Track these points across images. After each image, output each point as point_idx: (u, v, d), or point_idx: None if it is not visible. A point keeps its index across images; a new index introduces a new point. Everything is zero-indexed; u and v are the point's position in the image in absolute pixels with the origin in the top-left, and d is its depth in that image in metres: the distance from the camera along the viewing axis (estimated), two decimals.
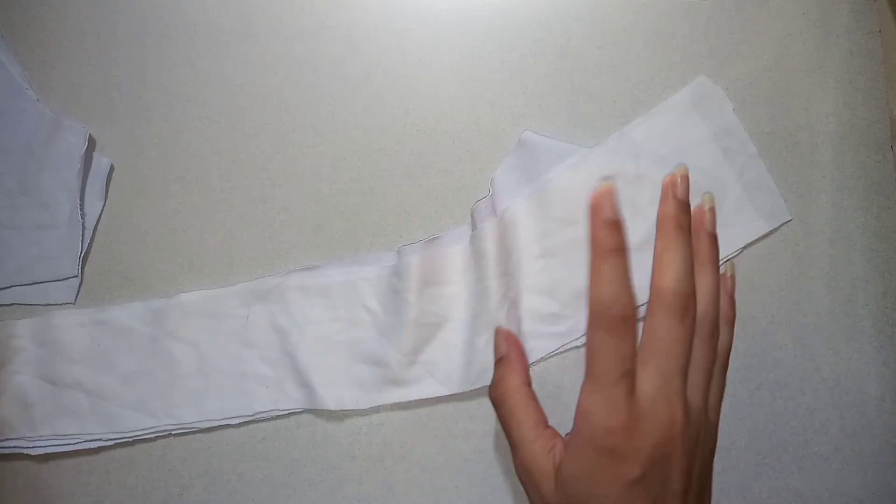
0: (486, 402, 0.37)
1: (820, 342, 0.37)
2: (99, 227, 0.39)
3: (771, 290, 0.37)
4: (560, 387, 0.37)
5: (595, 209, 0.27)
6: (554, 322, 0.37)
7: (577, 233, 0.37)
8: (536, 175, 0.37)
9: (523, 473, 0.29)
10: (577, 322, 0.37)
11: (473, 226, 0.38)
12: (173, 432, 0.37)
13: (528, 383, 0.31)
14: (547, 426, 0.29)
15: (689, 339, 0.28)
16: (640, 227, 0.37)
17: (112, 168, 0.39)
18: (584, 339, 0.37)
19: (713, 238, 0.31)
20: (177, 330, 0.37)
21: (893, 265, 0.38)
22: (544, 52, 0.39)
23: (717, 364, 0.30)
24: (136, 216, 0.39)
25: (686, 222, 0.29)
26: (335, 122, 0.39)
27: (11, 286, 0.38)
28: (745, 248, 0.37)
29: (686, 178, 0.29)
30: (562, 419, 0.37)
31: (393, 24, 0.40)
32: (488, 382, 0.35)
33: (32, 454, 0.36)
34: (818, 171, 0.38)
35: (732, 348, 0.37)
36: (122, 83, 0.40)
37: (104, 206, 0.39)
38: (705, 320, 0.29)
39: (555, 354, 0.37)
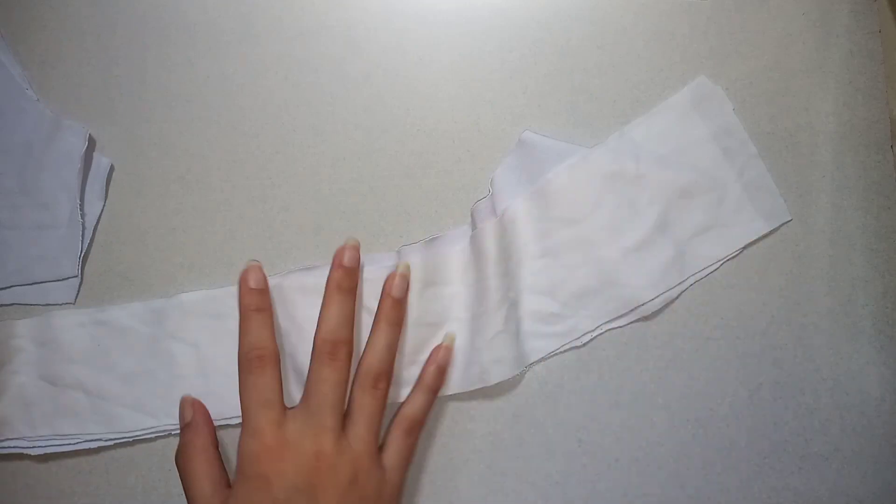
0: (485, 403, 0.37)
1: (820, 342, 0.37)
2: (99, 227, 0.39)
3: (771, 290, 0.37)
4: (560, 387, 0.37)
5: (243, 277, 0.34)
6: (554, 322, 0.37)
7: (578, 233, 0.37)
8: (536, 175, 0.37)
9: None
10: (576, 322, 0.37)
11: (473, 226, 0.38)
12: (173, 432, 0.37)
13: (215, 445, 0.33)
14: (228, 486, 0.32)
15: (338, 381, 0.32)
16: (640, 228, 0.37)
17: (112, 168, 0.39)
18: (585, 339, 0.37)
19: (397, 302, 0.35)
20: (177, 330, 0.37)
21: (893, 265, 0.38)
22: (544, 52, 0.39)
23: (401, 427, 0.34)
24: (136, 216, 0.39)
25: (347, 284, 0.34)
26: (335, 122, 0.39)
27: (11, 286, 0.38)
28: (745, 248, 0.37)
29: (404, 278, 0.36)
30: (562, 419, 0.37)
31: (393, 24, 0.40)
32: (489, 383, 0.35)
33: (32, 454, 0.36)
34: (818, 171, 0.38)
35: (732, 349, 0.37)
36: (122, 83, 0.40)
37: (104, 206, 0.39)
38: (368, 372, 0.33)
39: (554, 354, 0.37)
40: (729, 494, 0.36)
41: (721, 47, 0.39)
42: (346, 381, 0.32)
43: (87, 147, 0.38)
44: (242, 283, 0.34)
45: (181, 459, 0.32)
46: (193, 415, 0.34)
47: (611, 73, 0.39)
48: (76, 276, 0.38)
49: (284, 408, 0.32)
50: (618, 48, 0.39)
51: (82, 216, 0.38)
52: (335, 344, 0.32)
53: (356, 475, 0.31)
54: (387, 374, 0.33)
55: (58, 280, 0.38)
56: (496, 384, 0.36)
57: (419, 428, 0.34)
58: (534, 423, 0.37)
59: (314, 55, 0.40)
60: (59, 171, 0.38)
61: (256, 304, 0.34)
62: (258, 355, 0.32)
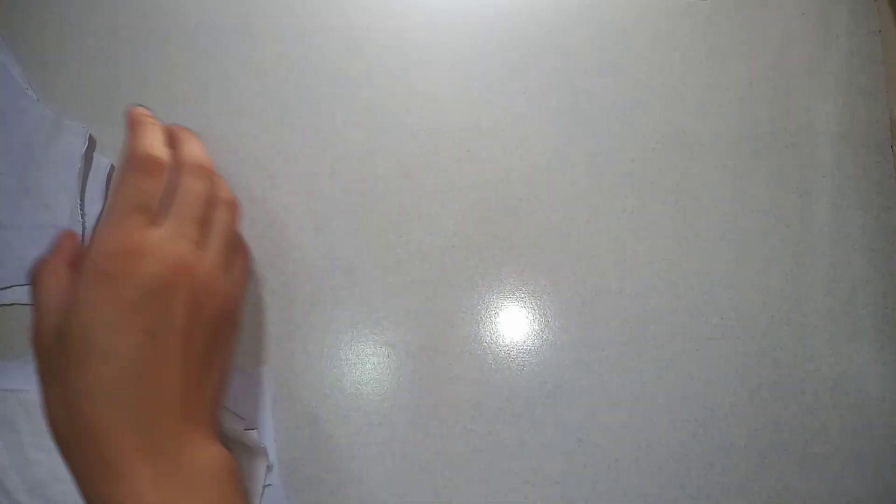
0: (485, 403, 0.37)
1: (820, 342, 0.37)
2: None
3: (771, 290, 0.37)
4: (560, 387, 0.37)
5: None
6: None
7: None
8: None
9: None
10: None
11: None
12: None
13: (73, 266, 0.31)
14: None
15: (204, 194, 0.32)
16: None
17: (112, 168, 0.39)
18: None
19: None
20: None
21: (893, 265, 0.38)
22: (544, 52, 0.39)
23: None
24: None
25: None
26: (335, 122, 0.39)
27: (11, 286, 0.38)
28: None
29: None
30: (562, 419, 0.37)
31: (393, 25, 0.40)
32: None
33: None
34: (818, 171, 0.38)
35: (732, 348, 0.37)
36: (122, 83, 0.40)
37: (104, 205, 0.39)
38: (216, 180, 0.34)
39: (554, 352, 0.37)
40: (729, 494, 0.36)
41: (721, 47, 0.39)
42: (208, 196, 0.33)
43: (87, 147, 0.38)
44: (130, 109, 0.34)
45: (31, 279, 0.31)
46: (59, 239, 0.33)
47: (611, 73, 0.39)
48: None
49: (155, 218, 0.30)
50: (618, 48, 0.39)
51: (82, 216, 0.38)
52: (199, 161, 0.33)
53: (209, 285, 0.30)
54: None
55: None
56: (495, 383, 0.36)
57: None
58: (534, 423, 0.37)
59: (314, 55, 0.40)
60: (58, 171, 0.38)
61: (150, 119, 0.33)
62: (154, 160, 0.31)
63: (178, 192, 0.31)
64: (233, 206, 0.34)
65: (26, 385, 0.36)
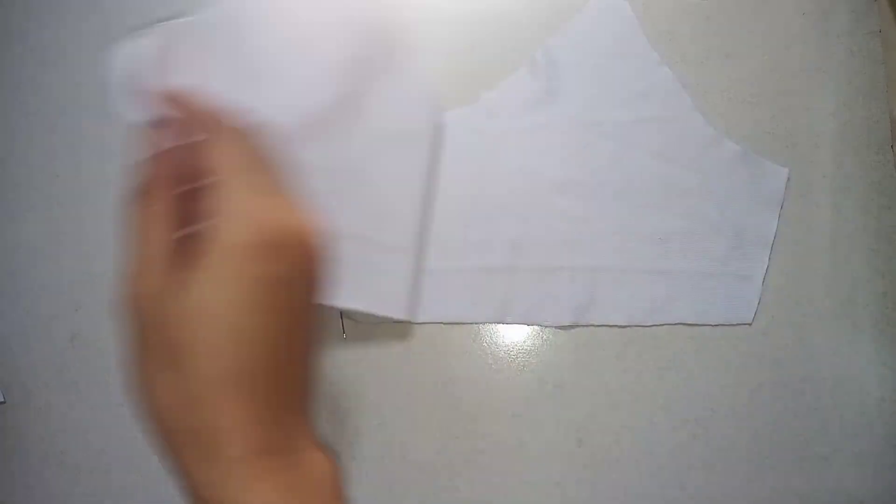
0: (486, 403, 0.37)
1: (820, 342, 0.37)
2: None
3: (771, 290, 0.37)
4: (560, 387, 0.37)
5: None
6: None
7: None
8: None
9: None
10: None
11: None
12: None
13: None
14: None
15: None
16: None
17: None
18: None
19: None
20: None
21: (893, 265, 0.38)
22: None
23: None
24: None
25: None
26: None
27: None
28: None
29: None
30: (562, 419, 0.37)
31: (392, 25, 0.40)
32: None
33: None
34: (818, 171, 0.38)
35: (732, 348, 0.37)
36: None
37: None
38: None
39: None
40: (729, 494, 0.36)
41: (721, 47, 0.39)
42: None
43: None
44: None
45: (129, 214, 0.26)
46: (157, 159, 0.27)
47: None
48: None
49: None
50: None
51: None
52: None
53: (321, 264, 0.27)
54: None
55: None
56: (495, 383, 0.36)
57: None
58: (534, 423, 0.37)
59: None
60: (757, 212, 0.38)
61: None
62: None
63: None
64: None
65: None
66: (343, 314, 0.38)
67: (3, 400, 0.37)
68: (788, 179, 0.38)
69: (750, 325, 0.37)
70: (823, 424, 0.37)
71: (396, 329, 0.38)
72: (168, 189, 0.26)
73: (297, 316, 0.25)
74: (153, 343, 0.24)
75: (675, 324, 0.37)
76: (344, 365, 0.38)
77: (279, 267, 0.24)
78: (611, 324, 0.37)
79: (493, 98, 0.39)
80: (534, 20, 0.39)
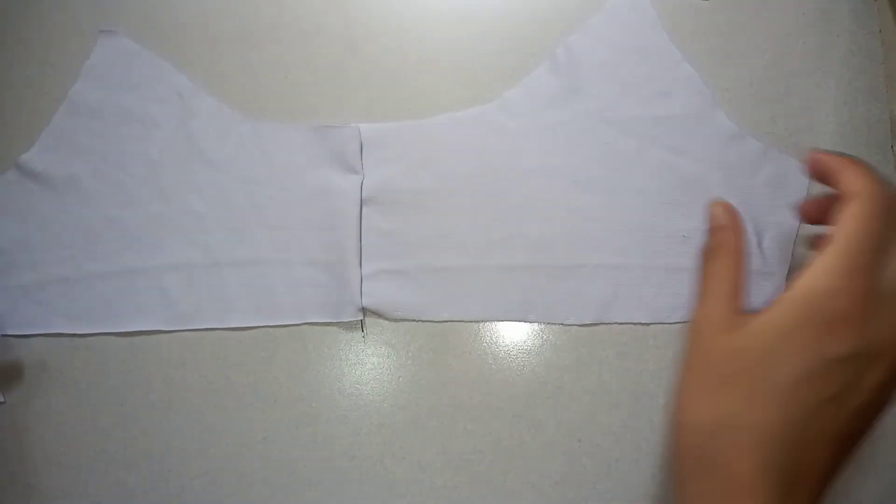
0: (486, 403, 0.37)
1: None
2: None
3: None
4: (560, 387, 0.37)
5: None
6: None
7: None
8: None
9: (693, 325, 0.27)
10: None
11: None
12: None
13: (744, 255, 0.28)
14: (742, 298, 0.27)
15: None
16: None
17: None
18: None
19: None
20: None
21: None
22: (545, 53, 0.39)
23: None
24: None
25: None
26: (335, 122, 0.39)
27: None
28: None
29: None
30: (562, 419, 0.37)
31: (393, 24, 0.40)
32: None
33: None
34: None
35: None
36: None
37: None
38: None
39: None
40: None
41: (721, 47, 0.39)
42: None
43: None
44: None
45: (710, 244, 0.28)
46: (730, 220, 0.29)
47: None
48: None
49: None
50: None
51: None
52: None
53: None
54: None
55: None
56: (495, 383, 0.36)
57: None
58: (534, 423, 0.37)
59: (314, 55, 0.40)
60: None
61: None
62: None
63: None
64: None
65: None
66: (366, 313, 0.38)
67: (3, 400, 0.37)
68: None
69: None
70: None
71: (396, 329, 0.38)
72: (739, 239, 0.28)
73: (844, 402, 0.25)
74: (702, 367, 0.26)
75: None
76: (344, 365, 0.38)
77: (845, 349, 0.24)
78: (634, 321, 0.37)
79: (514, 96, 0.38)
80: (555, 17, 0.40)
